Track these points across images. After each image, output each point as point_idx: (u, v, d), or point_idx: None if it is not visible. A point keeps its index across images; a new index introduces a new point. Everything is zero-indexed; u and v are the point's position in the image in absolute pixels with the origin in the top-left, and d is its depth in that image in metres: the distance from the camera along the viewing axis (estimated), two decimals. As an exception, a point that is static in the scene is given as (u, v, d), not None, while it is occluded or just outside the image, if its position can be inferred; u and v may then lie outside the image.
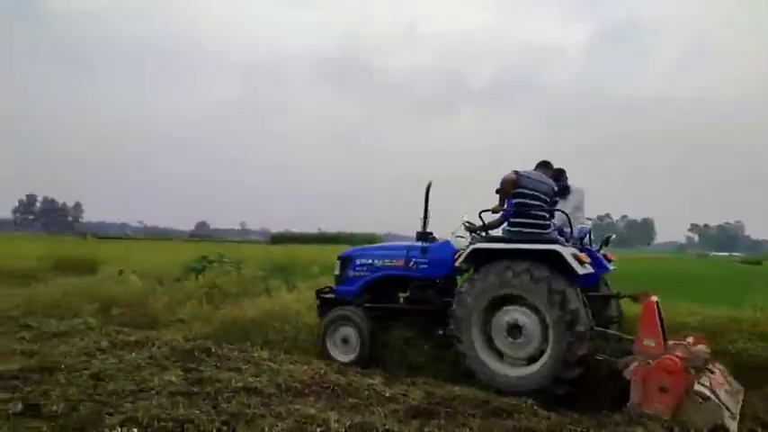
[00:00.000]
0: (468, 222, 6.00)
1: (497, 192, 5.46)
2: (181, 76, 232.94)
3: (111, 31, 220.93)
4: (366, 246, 7.47)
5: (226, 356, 5.83)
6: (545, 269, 4.92)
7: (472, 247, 5.47)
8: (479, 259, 5.41)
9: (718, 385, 4.34)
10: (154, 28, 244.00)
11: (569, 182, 6.48)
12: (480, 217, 5.73)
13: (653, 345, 4.58)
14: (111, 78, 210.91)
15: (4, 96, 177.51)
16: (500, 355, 5.22)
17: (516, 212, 5.41)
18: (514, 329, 5.09)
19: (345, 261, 6.73)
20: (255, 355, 5.95)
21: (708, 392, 4.05)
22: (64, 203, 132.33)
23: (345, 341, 6.17)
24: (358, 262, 6.58)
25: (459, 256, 5.55)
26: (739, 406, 4.44)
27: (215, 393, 4.51)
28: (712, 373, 4.58)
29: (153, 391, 4.48)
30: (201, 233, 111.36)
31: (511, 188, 5.37)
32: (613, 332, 5.43)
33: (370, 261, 6.50)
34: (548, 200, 5.47)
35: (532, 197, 5.34)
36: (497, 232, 5.71)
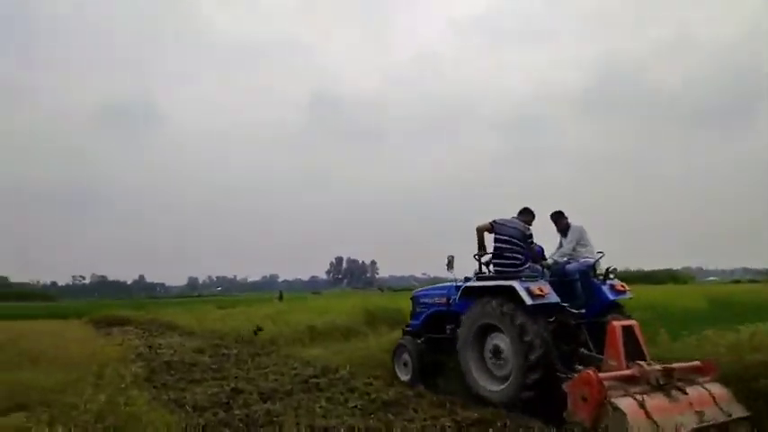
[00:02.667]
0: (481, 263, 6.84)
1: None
2: (441, 135, 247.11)
3: (383, 106, 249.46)
4: (427, 287, 8.53)
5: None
6: (513, 305, 5.80)
7: (463, 286, 6.79)
8: (473, 295, 6.55)
9: (666, 403, 4.50)
10: (417, 95, 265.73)
11: (569, 220, 7.13)
12: (475, 258, 6.77)
13: (615, 364, 4.98)
14: (392, 150, 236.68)
15: (316, 176, 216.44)
16: (490, 372, 6.18)
17: (495, 254, 6.55)
18: (497, 352, 6.05)
19: (414, 300, 8.35)
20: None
21: (621, 404, 4.27)
22: (363, 262, 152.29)
23: (405, 364, 7.67)
24: (421, 301, 8.10)
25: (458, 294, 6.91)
26: (695, 423, 4.43)
27: None
28: (682, 391, 4.65)
29: None
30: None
31: (482, 234, 6.68)
32: (594, 354, 5.59)
33: (427, 300, 7.95)
34: (518, 242, 6.36)
35: (504, 241, 6.44)
36: None
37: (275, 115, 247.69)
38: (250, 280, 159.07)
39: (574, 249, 6.86)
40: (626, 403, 4.33)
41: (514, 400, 5.58)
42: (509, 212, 6.75)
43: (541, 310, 5.73)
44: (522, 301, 5.65)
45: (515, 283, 5.83)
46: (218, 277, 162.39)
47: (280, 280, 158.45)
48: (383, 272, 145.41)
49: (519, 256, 6.32)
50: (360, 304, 16.83)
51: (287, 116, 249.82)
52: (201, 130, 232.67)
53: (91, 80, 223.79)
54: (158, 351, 12.14)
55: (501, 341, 5.97)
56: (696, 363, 5.11)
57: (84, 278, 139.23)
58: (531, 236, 6.54)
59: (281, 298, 35.94)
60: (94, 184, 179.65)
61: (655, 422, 4.26)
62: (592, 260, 6.71)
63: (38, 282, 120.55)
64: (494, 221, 6.58)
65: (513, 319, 5.69)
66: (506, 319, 5.78)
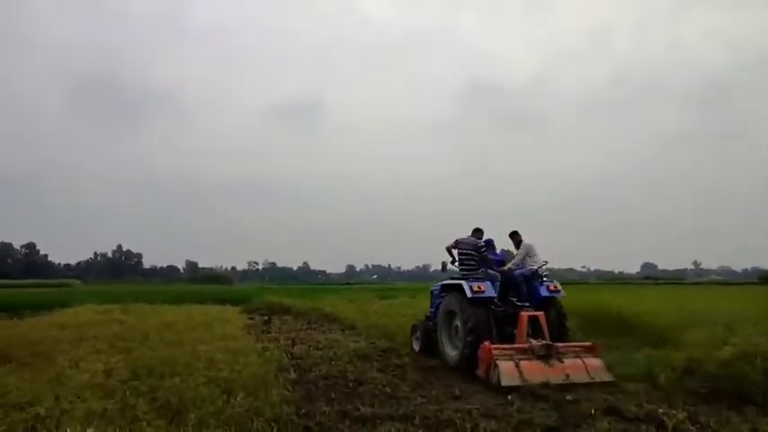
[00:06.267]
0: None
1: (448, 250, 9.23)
2: (617, 117, 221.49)
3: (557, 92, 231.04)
4: (438, 283, 9.94)
5: None
6: (462, 297, 8.18)
7: (440, 284, 9.61)
8: (445, 290, 9.12)
9: (540, 366, 6.83)
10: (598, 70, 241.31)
11: (522, 238, 9.39)
12: (451, 264, 9.26)
13: (520, 341, 7.43)
14: (557, 136, 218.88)
15: (474, 165, 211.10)
16: (454, 343, 8.48)
17: (459, 262, 8.98)
18: (456, 330, 8.37)
19: (431, 293, 10.21)
20: None
21: (500, 365, 6.70)
22: (510, 252, 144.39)
23: (417, 339, 9.90)
24: (434, 293, 9.92)
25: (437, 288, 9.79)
26: (560, 380, 6.68)
27: None
28: (560, 360, 6.97)
29: None
30: (651, 275, 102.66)
31: (451, 248, 9.11)
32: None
33: (435, 292, 9.85)
34: (473, 253, 8.82)
35: (463, 253, 8.91)
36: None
37: (433, 103, 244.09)
38: (404, 269, 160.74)
39: (523, 260, 9.03)
40: (504, 364, 6.74)
41: (459, 363, 7.88)
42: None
43: (484, 303, 8.08)
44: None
45: (463, 282, 8.26)
46: (373, 265, 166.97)
47: (431, 270, 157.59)
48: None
49: (473, 263, 8.79)
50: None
51: (445, 103, 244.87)
52: (363, 122, 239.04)
53: (263, 82, 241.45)
54: (317, 350, 9.86)
55: (458, 322, 8.26)
56: (584, 343, 7.50)
57: (257, 264, 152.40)
58: (483, 248, 8.94)
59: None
60: (266, 178, 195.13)
61: (524, 377, 6.58)
62: (535, 267, 8.77)
63: (221, 266, 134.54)
64: (456, 240, 9.03)
65: (462, 308, 8.09)
66: (458, 308, 8.22)
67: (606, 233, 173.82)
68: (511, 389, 6.42)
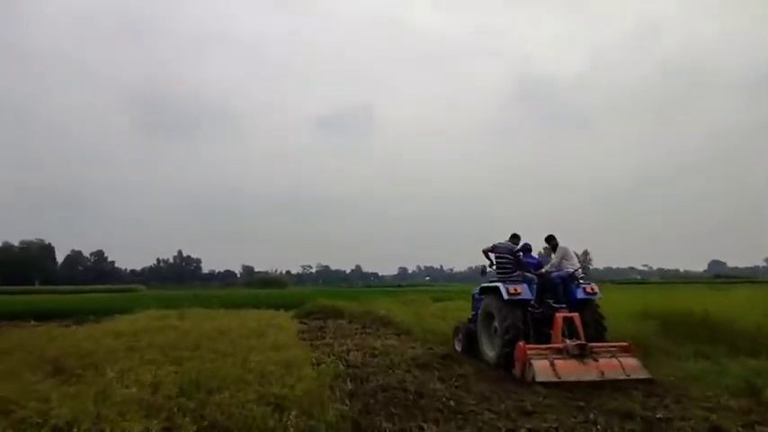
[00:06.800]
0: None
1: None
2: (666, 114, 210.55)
3: (597, 90, 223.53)
4: (478, 287, 10.33)
5: None
6: (499, 299, 8.48)
7: (480, 286, 9.89)
8: (484, 293, 9.49)
9: (575, 365, 7.10)
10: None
11: (558, 241, 9.55)
12: (489, 267, 9.65)
13: (555, 341, 7.68)
14: (602, 137, 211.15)
15: (516, 167, 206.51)
16: (493, 344, 8.78)
17: (496, 266, 9.38)
18: (495, 331, 8.62)
19: (472, 297, 10.59)
20: None
21: (535, 363, 7.02)
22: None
23: (459, 341, 10.19)
24: (475, 297, 10.26)
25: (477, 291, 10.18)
26: (595, 378, 6.90)
27: None
28: (594, 359, 7.17)
29: None
30: (720, 273, 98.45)
31: (487, 252, 9.52)
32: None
33: (475, 296, 10.21)
34: (509, 257, 9.23)
35: (499, 257, 9.31)
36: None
37: (483, 105, 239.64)
38: (456, 270, 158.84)
39: (560, 262, 9.22)
40: (539, 363, 7.04)
41: (497, 362, 8.17)
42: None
43: (521, 305, 8.36)
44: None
45: (500, 285, 8.55)
46: (426, 267, 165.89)
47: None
48: (598, 263, 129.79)
49: (509, 266, 9.17)
50: (625, 302, 12.06)
51: (495, 105, 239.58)
52: (412, 126, 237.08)
53: (309, 93, 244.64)
54: (373, 357, 9.47)
55: (496, 323, 8.56)
56: (619, 343, 7.63)
57: (311, 267, 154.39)
58: (518, 252, 9.42)
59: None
60: (317, 184, 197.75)
61: (558, 375, 6.86)
62: (572, 270, 9.04)
63: (276, 270, 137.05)
64: (494, 244, 9.46)
65: (499, 309, 8.42)
66: (496, 309, 8.54)
67: (668, 230, 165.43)
68: (591, 405, 5.86)
